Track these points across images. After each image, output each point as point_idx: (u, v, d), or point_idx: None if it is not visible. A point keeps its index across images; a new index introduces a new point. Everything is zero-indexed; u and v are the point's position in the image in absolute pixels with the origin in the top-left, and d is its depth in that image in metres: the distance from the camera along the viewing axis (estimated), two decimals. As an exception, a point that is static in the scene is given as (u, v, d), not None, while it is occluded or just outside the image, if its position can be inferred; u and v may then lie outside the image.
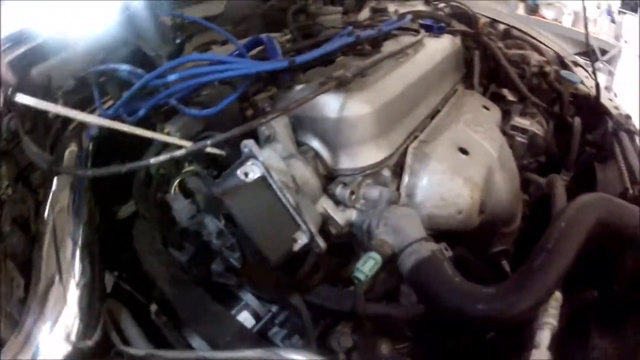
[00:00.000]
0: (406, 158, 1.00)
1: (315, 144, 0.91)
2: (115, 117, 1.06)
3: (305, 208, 0.80)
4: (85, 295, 0.87)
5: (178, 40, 1.11)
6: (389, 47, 1.18)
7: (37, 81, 1.19)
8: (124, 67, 0.99)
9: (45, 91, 1.20)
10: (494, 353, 1.11)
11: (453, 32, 1.38)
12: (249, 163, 0.77)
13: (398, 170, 1.00)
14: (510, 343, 1.02)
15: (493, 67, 1.44)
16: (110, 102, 1.17)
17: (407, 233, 0.88)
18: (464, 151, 1.09)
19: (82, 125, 1.20)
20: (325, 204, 0.89)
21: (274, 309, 0.98)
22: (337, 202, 0.91)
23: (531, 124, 1.36)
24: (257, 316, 0.98)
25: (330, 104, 0.88)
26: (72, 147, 1.14)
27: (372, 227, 0.91)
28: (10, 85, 0.68)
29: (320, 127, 0.90)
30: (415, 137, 1.06)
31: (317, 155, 0.91)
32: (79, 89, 1.22)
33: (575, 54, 1.83)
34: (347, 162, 0.91)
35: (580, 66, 1.62)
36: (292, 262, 0.84)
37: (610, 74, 2.00)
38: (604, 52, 1.93)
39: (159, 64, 1.02)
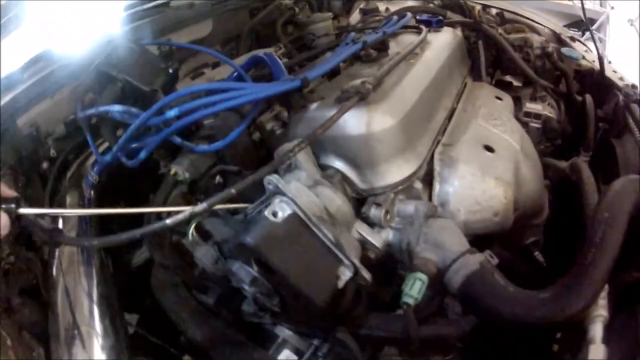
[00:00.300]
0: (434, 165, 0.92)
1: (340, 165, 0.82)
2: (114, 162, 0.97)
3: (344, 240, 0.71)
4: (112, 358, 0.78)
5: (171, 70, 1.01)
6: (392, 48, 1.09)
7: (24, 132, 1.08)
8: (117, 108, 0.88)
9: (34, 141, 1.10)
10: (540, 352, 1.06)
11: (452, 24, 1.30)
12: (276, 201, 0.68)
13: (428, 179, 0.91)
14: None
15: (495, 54, 1.37)
16: (105, 144, 1.07)
17: (450, 247, 0.81)
18: (489, 149, 1.01)
19: (80, 172, 1.10)
20: (360, 229, 0.80)
21: (315, 341, 0.89)
22: (371, 223, 0.83)
23: (543, 108, 1.29)
24: (298, 352, 0.88)
25: (351, 121, 0.79)
26: (73, 198, 1.04)
27: (412, 245, 0.83)
28: (12, 201, 0.61)
29: (343, 146, 0.81)
30: (438, 142, 0.97)
31: (343, 177, 0.82)
32: (71, 134, 1.12)
33: (564, 27, 1.76)
34: (376, 181, 0.82)
35: (579, 41, 1.55)
36: (334, 295, 0.75)
37: (602, 41, 1.95)
38: (592, 21, 1.88)
39: (156, 99, 0.92)
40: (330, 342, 0.83)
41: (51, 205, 1.04)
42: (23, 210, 0.64)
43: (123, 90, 1.00)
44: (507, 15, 1.56)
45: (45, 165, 1.09)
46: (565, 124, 1.32)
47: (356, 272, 0.71)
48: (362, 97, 0.77)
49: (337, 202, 0.77)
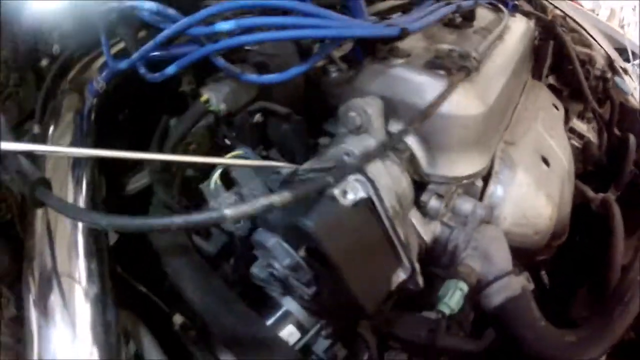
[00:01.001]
0: (494, 162, 0.80)
1: (411, 140, 0.67)
2: (130, 71, 0.76)
3: (410, 237, 0.58)
4: (97, 314, 0.61)
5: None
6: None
7: (26, 22, 0.83)
8: (148, 5, 0.66)
9: (35, 33, 0.85)
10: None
11: (527, 14, 1.15)
12: (350, 178, 0.53)
13: (485, 176, 0.79)
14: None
15: (556, 59, 1.24)
16: (119, 45, 0.85)
17: (497, 262, 0.72)
18: (545, 161, 0.90)
19: (84, 75, 0.88)
20: (414, 217, 0.68)
21: (322, 320, 0.78)
22: (423, 213, 0.70)
23: (587, 130, 1.20)
24: (302, 328, 0.77)
25: (441, 95, 0.64)
26: (71, 103, 0.81)
27: (460, 248, 0.72)
28: None
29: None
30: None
31: (411, 155, 0.68)
32: (81, 31, 0.88)
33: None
34: (445, 169, 0.68)
35: (629, 76, 1.45)
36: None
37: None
38: (635, 55, 1.79)
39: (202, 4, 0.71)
40: (348, 334, 0.72)
41: (44, 111, 0.82)
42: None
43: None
44: (569, 20, 1.43)
45: (44, 62, 0.86)
46: (603, 154, 1.24)
47: (412, 276, 0.59)
48: (467, 74, 0.61)
49: (403, 184, 0.62)
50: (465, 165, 0.69)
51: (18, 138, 0.80)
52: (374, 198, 0.53)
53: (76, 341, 0.54)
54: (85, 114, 0.83)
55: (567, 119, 1.18)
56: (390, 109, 0.67)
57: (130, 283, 0.79)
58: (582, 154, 1.18)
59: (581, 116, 1.23)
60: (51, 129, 0.80)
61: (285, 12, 0.73)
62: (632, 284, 0.77)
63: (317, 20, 0.59)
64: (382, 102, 0.64)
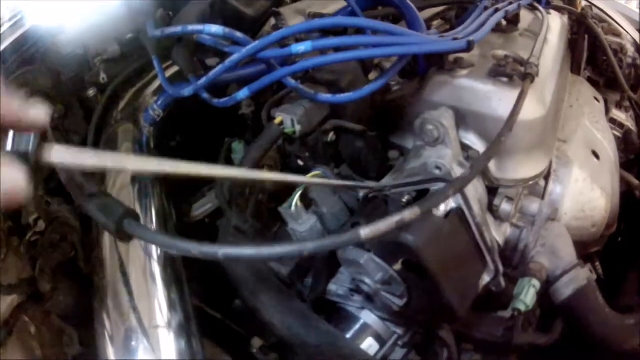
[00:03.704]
0: (551, 161, 0.89)
1: (481, 148, 0.75)
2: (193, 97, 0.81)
3: (493, 241, 0.67)
4: (182, 339, 0.63)
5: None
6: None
7: (67, 50, 0.89)
8: (215, 30, 0.70)
9: (79, 62, 0.92)
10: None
11: (559, 9, 1.25)
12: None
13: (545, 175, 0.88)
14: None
15: (590, 51, 1.34)
16: (170, 70, 0.91)
17: (564, 257, 0.82)
18: (595, 155, 1.00)
19: (136, 103, 0.94)
20: (488, 222, 0.76)
21: (399, 330, 0.85)
22: (496, 217, 0.79)
23: (626, 119, 1.30)
24: (380, 339, 0.84)
25: (506, 102, 0.72)
26: (126, 135, 0.86)
27: (529, 247, 0.81)
28: (37, 137, 0.38)
29: (491, 128, 0.74)
30: (555, 137, 0.94)
31: (482, 162, 0.76)
32: (126, 55, 0.93)
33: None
34: (513, 172, 0.77)
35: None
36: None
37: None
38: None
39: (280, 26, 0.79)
40: (429, 338, 0.80)
41: (97, 142, 0.88)
42: (55, 155, 0.38)
43: (212, 8, 0.84)
44: (594, 10, 1.53)
45: (92, 92, 0.92)
46: (641, 142, 1.34)
47: (495, 277, 0.68)
48: (532, 80, 0.70)
49: (480, 190, 0.72)
50: (531, 167, 0.78)
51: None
52: (464, 207, 0.61)
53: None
54: (144, 142, 0.90)
55: (607, 110, 1.28)
56: (460, 119, 0.75)
57: (204, 310, 0.85)
58: (623, 143, 1.28)
59: (619, 105, 1.33)
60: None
61: (345, 30, 0.82)
62: None
63: (390, 38, 0.67)
64: (453, 113, 0.72)
